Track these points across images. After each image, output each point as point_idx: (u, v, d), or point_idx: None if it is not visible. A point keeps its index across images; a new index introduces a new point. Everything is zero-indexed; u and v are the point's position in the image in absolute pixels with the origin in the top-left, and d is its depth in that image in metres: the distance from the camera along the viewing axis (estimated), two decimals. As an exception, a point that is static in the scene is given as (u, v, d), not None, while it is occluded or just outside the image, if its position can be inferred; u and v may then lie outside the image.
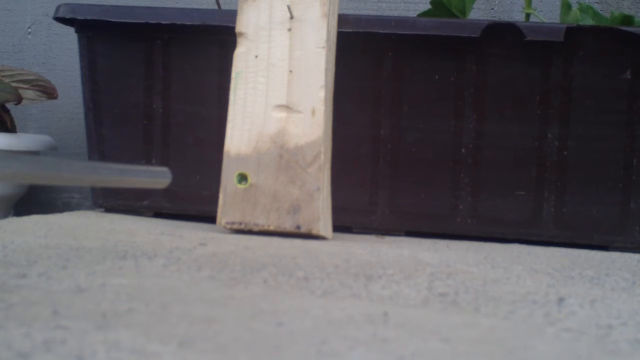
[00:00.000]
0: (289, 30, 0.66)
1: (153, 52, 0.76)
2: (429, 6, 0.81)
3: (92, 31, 0.77)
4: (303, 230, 0.63)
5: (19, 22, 1.12)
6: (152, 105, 0.77)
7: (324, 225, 0.64)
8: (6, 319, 0.30)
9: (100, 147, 0.78)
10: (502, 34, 0.70)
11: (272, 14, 0.67)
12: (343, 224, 0.72)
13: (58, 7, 0.76)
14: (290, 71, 0.65)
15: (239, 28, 0.67)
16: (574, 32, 0.69)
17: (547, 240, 0.71)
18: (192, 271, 0.44)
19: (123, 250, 0.51)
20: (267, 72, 0.66)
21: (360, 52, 0.72)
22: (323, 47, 0.65)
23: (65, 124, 1.11)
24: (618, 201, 0.70)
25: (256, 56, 0.66)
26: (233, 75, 0.67)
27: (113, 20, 0.75)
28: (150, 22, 0.74)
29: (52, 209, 1.08)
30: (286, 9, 0.66)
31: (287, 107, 0.65)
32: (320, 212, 0.63)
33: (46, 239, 0.54)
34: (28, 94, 0.95)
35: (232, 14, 0.69)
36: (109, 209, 0.79)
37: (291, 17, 0.66)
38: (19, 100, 0.93)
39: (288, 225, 0.64)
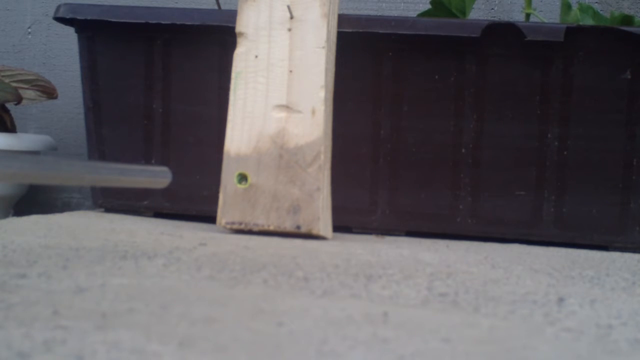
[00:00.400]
0: (289, 30, 0.66)
1: (153, 52, 0.76)
2: (429, 6, 0.81)
3: (92, 31, 0.77)
4: (303, 230, 0.63)
5: (19, 22, 1.12)
6: (152, 105, 0.77)
7: (324, 225, 0.64)
8: (6, 319, 0.30)
9: (100, 147, 0.78)
10: (502, 34, 0.70)
11: (272, 14, 0.67)
12: (343, 224, 0.72)
13: (58, 7, 0.76)
14: (291, 71, 0.65)
15: (239, 28, 0.67)
16: (574, 32, 0.69)
17: (547, 240, 0.71)
18: (192, 271, 0.44)
19: (123, 250, 0.51)
20: (267, 72, 0.66)
21: (360, 52, 0.72)
22: (323, 47, 0.65)
23: (65, 124, 1.11)
24: (618, 201, 0.70)
25: (256, 56, 0.66)
26: (233, 75, 0.67)
27: (113, 20, 0.75)
28: (150, 22, 0.74)
29: (52, 209, 1.08)
30: (286, 9, 0.66)
31: (287, 107, 0.65)
32: (320, 212, 0.63)
33: (46, 239, 0.54)
34: (28, 94, 0.95)
35: (232, 14, 0.69)
36: (109, 209, 0.79)
37: (291, 17, 0.66)
38: (19, 100, 0.93)
39: (288, 225, 0.63)
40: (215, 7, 0.86)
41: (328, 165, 0.66)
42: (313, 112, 0.64)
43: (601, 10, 0.98)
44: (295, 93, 0.65)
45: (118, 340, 0.27)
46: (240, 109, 0.66)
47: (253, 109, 0.66)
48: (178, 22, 0.74)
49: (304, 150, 0.64)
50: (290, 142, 0.64)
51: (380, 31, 0.70)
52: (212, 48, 0.75)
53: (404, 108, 0.72)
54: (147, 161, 0.77)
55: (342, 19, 0.70)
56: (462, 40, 0.70)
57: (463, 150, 0.72)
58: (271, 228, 0.64)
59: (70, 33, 1.05)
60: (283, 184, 0.64)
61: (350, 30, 0.70)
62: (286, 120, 0.65)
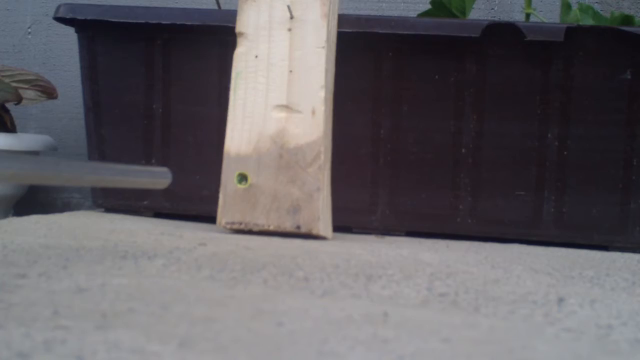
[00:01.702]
0: (289, 30, 0.66)
1: (153, 52, 0.76)
2: (429, 6, 0.81)
3: (92, 31, 0.77)
4: (303, 230, 0.63)
5: (19, 22, 1.12)
6: (152, 105, 0.77)
7: (324, 225, 0.64)
8: (6, 319, 0.30)
9: (100, 147, 0.78)
10: (502, 34, 0.70)
11: (272, 13, 0.67)
12: (343, 224, 0.72)
13: (58, 7, 0.76)
14: (291, 71, 0.65)
15: (239, 28, 0.67)
16: (574, 32, 0.69)
17: (547, 240, 0.71)
18: (192, 271, 0.44)
19: (123, 250, 0.51)
20: (267, 72, 0.66)
21: (360, 52, 0.72)
22: (323, 47, 0.65)
23: (65, 124, 1.10)
24: (618, 201, 0.70)
25: (256, 56, 0.66)
26: (233, 75, 0.67)
27: (113, 20, 0.75)
28: (150, 22, 0.74)
29: (52, 209, 1.08)
30: (286, 8, 0.66)
31: (287, 107, 0.65)
32: (320, 212, 0.63)
33: (46, 239, 0.54)
34: (28, 94, 0.95)
35: (232, 14, 0.69)
36: (109, 209, 0.79)
37: (291, 17, 0.66)
38: (19, 100, 0.93)
39: (288, 225, 0.63)
40: (215, 7, 0.86)
41: (328, 165, 0.66)
42: (313, 112, 0.64)
43: (601, 10, 0.98)
44: (295, 93, 0.65)
45: (118, 340, 0.27)
46: (240, 109, 0.66)
47: (253, 109, 0.66)
48: (178, 22, 0.74)
49: (304, 150, 0.64)
50: (291, 142, 0.64)
51: (380, 31, 0.70)
52: (212, 48, 0.75)
53: (404, 108, 0.72)
54: (147, 161, 0.77)
55: (342, 19, 0.70)
56: (462, 40, 0.70)
57: (463, 150, 0.72)
58: (271, 228, 0.64)
59: (70, 33, 1.05)
60: (283, 184, 0.64)
61: (350, 30, 0.70)
62: (286, 120, 0.65)
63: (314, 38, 0.65)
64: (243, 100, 0.66)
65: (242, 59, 0.67)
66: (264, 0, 0.67)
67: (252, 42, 0.67)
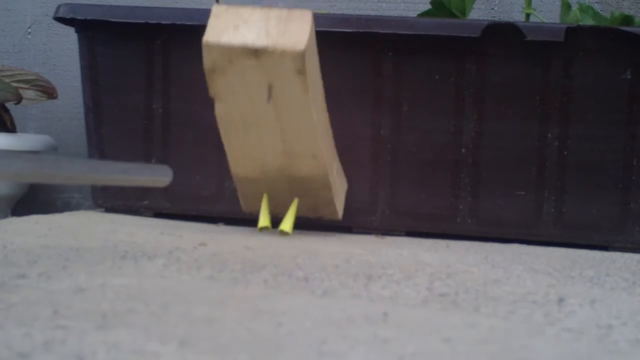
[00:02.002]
0: (271, 100, 0.61)
1: (153, 52, 0.76)
2: (429, 6, 0.81)
3: (92, 31, 0.77)
4: (325, 219, 0.69)
5: (19, 22, 1.12)
6: (152, 105, 0.77)
7: (341, 212, 0.69)
8: (6, 319, 0.30)
9: (101, 147, 0.78)
10: (502, 34, 0.70)
11: (248, 87, 0.61)
12: (343, 224, 0.72)
13: (58, 7, 0.76)
14: (282, 129, 0.62)
15: (212, 92, 0.62)
16: (574, 32, 0.69)
17: (547, 240, 0.71)
18: (192, 271, 0.44)
19: (123, 250, 0.51)
20: (257, 129, 0.63)
21: (361, 52, 0.72)
22: (312, 119, 0.61)
23: (65, 124, 1.10)
24: (618, 201, 0.70)
25: (241, 114, 0.62)
26: (221, 130, 0.64)
27: (113, 20, 0.75)
28: (150, 22, 0.74)
29: (52, 209, 1.08)
30: (263, 84, 0.61)
31: (286, 153, 0.63)
32: (338, 208, 0.68)
33: (46, 239, 0.55)
34: (28, 94, 0.95)
35: (232, 14, 0.69)
36: (109, 209, 0.79)
37: (269, 98, 0.61)
38: (19, 100, 0.93)
39: (311, 217, 0.68)
40: (215, 7, 0.86)
41: (340, 181, 0.68)
42: (314, 157, 0.63)
43: (601, 10, 0.98)
44: (292, 146, 0.63)
45: (118, 340, 0.27)
46: (238, 152, 0.64)
47: (251, 153, 0.64)
48: (178, 22, 0.74)
49: (313, 180, 0.65)
50: (298, 173, 0.64)
51: (380, 31, 0.70)
52: (212, 48, 0.74)
53: (404, 108, 0.72)
54: (147, 161, 0.77)
55: (342, 19, 0.70)
56: (462, 40, 0.70)
57: (463, 150, 0.72)
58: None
59: (70, 33, 1.04)
60: (298, 197, 0.66)
61: (350, 30, 0.70)
62: (288, 162, 0.64)
63: (301, 111, 0.61)
64: (240, 147, 0.64)
65: (227, 120, 0.63)
66: (235, 75, 0.61)
67: (231, 106, 0.62)
